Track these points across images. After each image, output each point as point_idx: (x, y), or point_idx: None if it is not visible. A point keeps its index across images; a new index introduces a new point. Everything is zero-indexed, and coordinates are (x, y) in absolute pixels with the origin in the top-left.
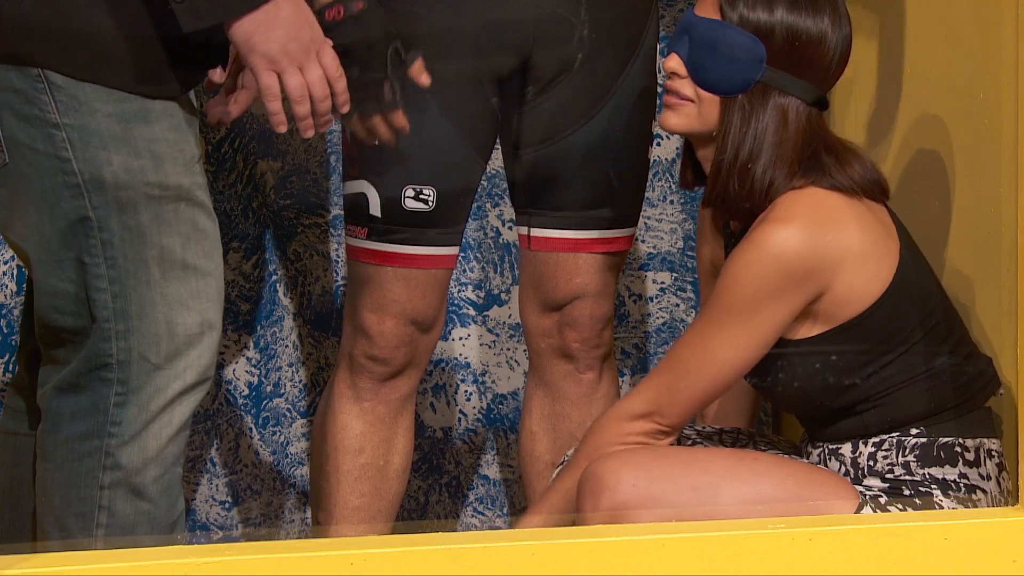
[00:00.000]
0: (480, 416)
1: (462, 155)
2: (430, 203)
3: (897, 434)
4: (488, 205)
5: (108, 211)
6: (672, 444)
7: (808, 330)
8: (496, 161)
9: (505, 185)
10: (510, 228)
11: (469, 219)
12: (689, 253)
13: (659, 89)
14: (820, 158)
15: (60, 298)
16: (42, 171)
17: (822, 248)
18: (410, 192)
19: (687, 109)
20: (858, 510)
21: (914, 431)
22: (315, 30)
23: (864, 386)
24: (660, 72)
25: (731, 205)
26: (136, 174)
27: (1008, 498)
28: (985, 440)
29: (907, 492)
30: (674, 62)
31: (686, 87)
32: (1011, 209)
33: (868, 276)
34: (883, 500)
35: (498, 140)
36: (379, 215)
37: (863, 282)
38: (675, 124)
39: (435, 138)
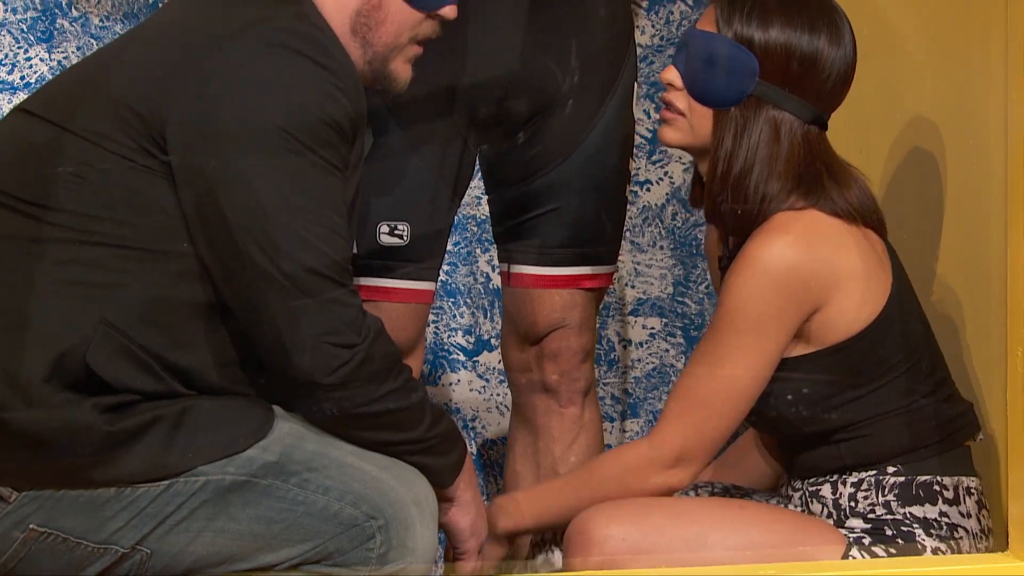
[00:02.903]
0: None
1: (436, 192)
2: (404, 238)
3: (875, 472)
4: (478, 251)
5: None
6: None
7: (794, 349)
8: (486, 207)
9: None
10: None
11: (459, 265)
12: (679, 299)
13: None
14: (822, 180)
15: None
16: None
17: (816, 262)
18: (384, 228)
19: (681, 123)
20: (845, 554)
21: (891, 469)
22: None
23: (841, 414)
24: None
25: (727, 219)
26: None
27: (988, 535)
28: (964, 478)
29: (889, 532)
30: (671, 74)
31: (680, 99)
32: (1000, 252)
33: (858, 302)
34: (867, 541)
35: (479, 178)
36: (354, 251)
37: (853, 307)
38: (670, 138)
39: (409, 175)
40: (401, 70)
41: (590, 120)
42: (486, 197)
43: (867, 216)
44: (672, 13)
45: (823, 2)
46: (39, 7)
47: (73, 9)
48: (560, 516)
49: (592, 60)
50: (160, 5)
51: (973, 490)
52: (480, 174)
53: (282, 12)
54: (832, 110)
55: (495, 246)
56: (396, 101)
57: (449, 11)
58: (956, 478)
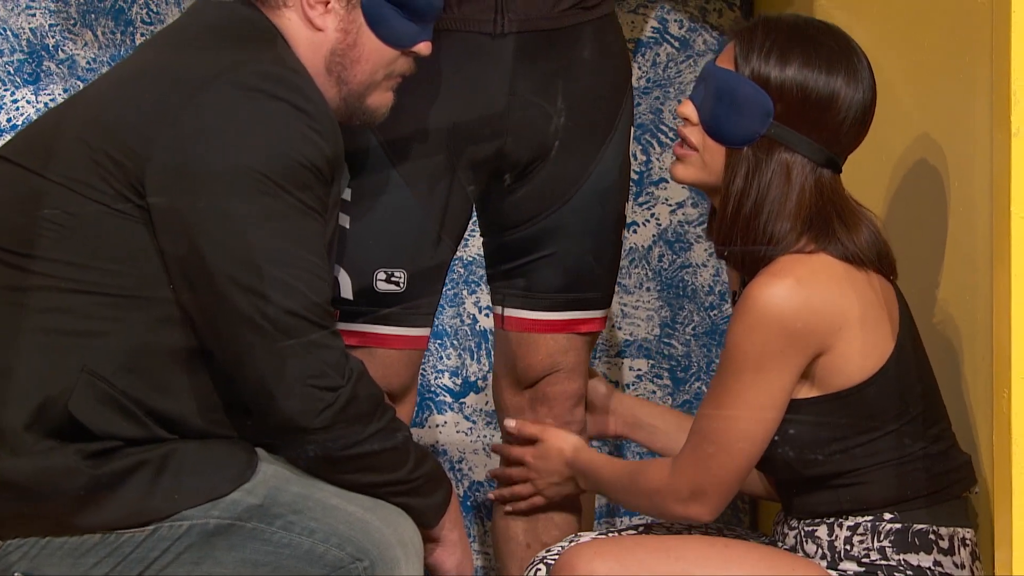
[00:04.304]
0: None
1: (433, 239)
2: (401, 285)
3: (871, 518)
4: (465, 292)
5: None
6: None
7: (797, 392)
8: (473, 249)
9: (482, 272)
10: (487, 315)
11: (446, 307)
12: (666, 341)
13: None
14: (832, 224)
15: None
16: None
17: (819, 306)
18: (381, 275)
19: (693, 159)
20: None
21: (888, 516)
22: None
23: (841, 460)
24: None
25: (735, 257)
26: None
27: None
28: (959, 529)
29: None
30: (687, 108)
31: (694, 134)
32: (986, 299)
33: (865, 349)
34: None
35: (474, 222)
36: (350, 298)
37: (859, 354)
38: (682, 175)
39: (407, 223)
40: (379, 102)
41: (587, 165)
42: (481, 240)
43: (877, 261)
44: (659, 55)
45: (843, 44)
46: (26, 49)
47: (60, 51)
48: (605, 494)
49: (590, 105)
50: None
51: (968, 541)
52: (475, 217)
53: (257, 55)
54: (848, 153)
55: (482, 288)
56: (394, 147)
57: (424, 47)
58: (952, 528)
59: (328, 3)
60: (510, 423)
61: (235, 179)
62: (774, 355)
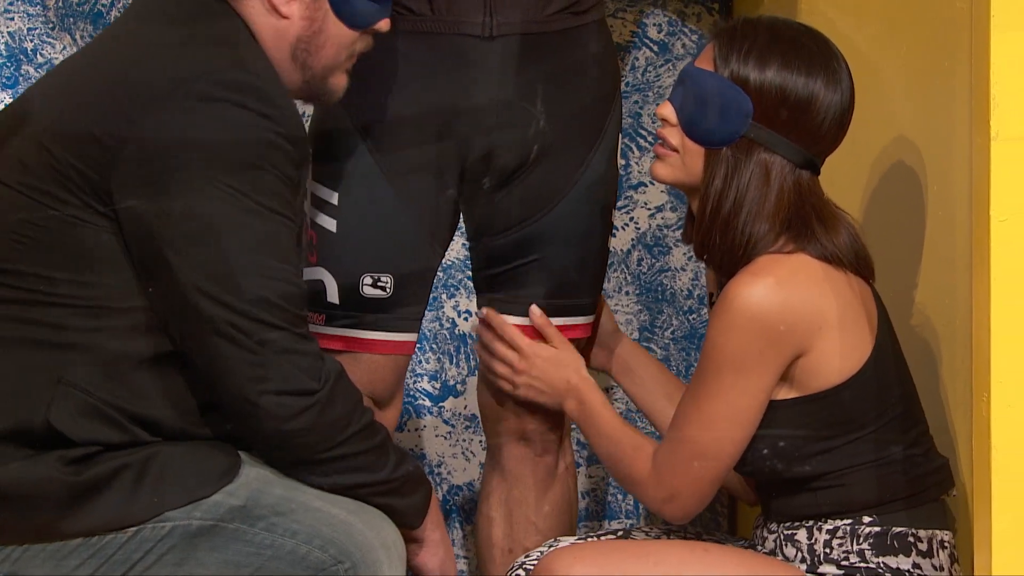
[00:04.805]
0: None
1: (420, 244)
2: (387, 290)
3: (850, 521)
4: (444, 296)
5: None
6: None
7: (776, 393)
8: (452, 253)
9: (461, 276)
10: (466, 319)
11: (425, 311)
12: (645, 344)
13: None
14: (811, 224)
15: None
16: None
17: (798, 306)
18: (368, 280)
19: (674, 159)
20: None
21: (867, 519)
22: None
23: (819, 462)
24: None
25: (714, 258)
26: None
27: None
28: (938, 531)
29: None
30: (667, 109)
31: (674, 136)
32: (966, 303)
33: (844, 350)
34: None
35: (460, 226)
36: (336, 302)
37: (838, 355)
38: (662, 174)
39: (394, 227)
40: (338, 82)
41: (575, 171)
42: (462, 244)
43: (856, 262)
44: (638, 59)
45: (822, 46)
46: (4, 53)
47: (39, 55)
48: (589, 440)
49: (578, 111)
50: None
51: (946, 543)
52: (462, 223)
53: (219, 60)
54: (826, 155)
55: (461, 292)
56: (381, 150)
57: (384, 24)
58: (930, 531)
59: None
60: (536, 310)
61: (203, 189)
62: (754, 355)
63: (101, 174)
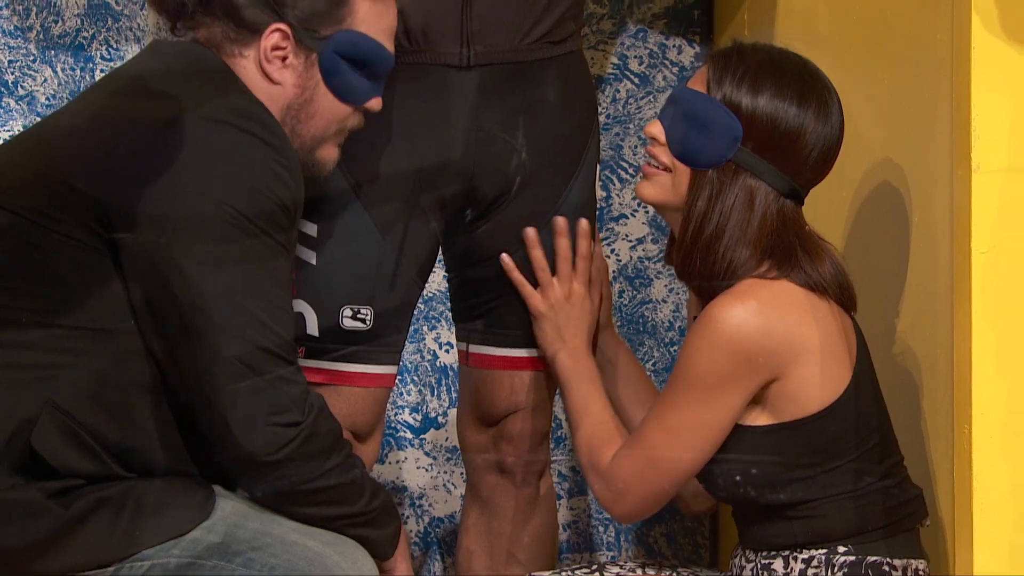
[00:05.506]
0: (417, 540)
1: (400, 276)
2: (367, 322)
3: (825, 551)
4: (425, 328)
5: None
6: None
7: (752, 418)
8: (432, 285)
9: (442, 309)
10: (447, 351)
11: (407, 342)
12: None
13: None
14: (795, 252)
15: None
16: None
17: (777, 332)
18: (348, 312)
19: (662, 179)
20: None
21: (842, 548)
22: None
23: (794, 491)
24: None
25: (694, 280)
26: None
27: None
28: (913, 560)
29: None
30: (656, 128)
31: (663, 154)
32: (947, 334)
33: (819, 379)
34: None
35: (439, 258)
36: (316, 334)
37: (816, 384)
38: (648, 194)
39: (374, 259)
40: (327, 155)
41: (554, 201)
42: (443, 275)
43: (839, 292)
44: (619, 91)
45: (816, 78)
46: None
47: (19, 88)
48: (565, 403)
49: (556, 141)
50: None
51: (921, 572)
52: (442, 254)
53: (224, 89)
54: (811, 186)
55: (443, 324)
56: (360, 181)
57: (375, 103)
58: (905, 560)
59: (286, 58)
60: (560, 221)
61: (204, 213)
62: (726, 375)
63: (102, 195)
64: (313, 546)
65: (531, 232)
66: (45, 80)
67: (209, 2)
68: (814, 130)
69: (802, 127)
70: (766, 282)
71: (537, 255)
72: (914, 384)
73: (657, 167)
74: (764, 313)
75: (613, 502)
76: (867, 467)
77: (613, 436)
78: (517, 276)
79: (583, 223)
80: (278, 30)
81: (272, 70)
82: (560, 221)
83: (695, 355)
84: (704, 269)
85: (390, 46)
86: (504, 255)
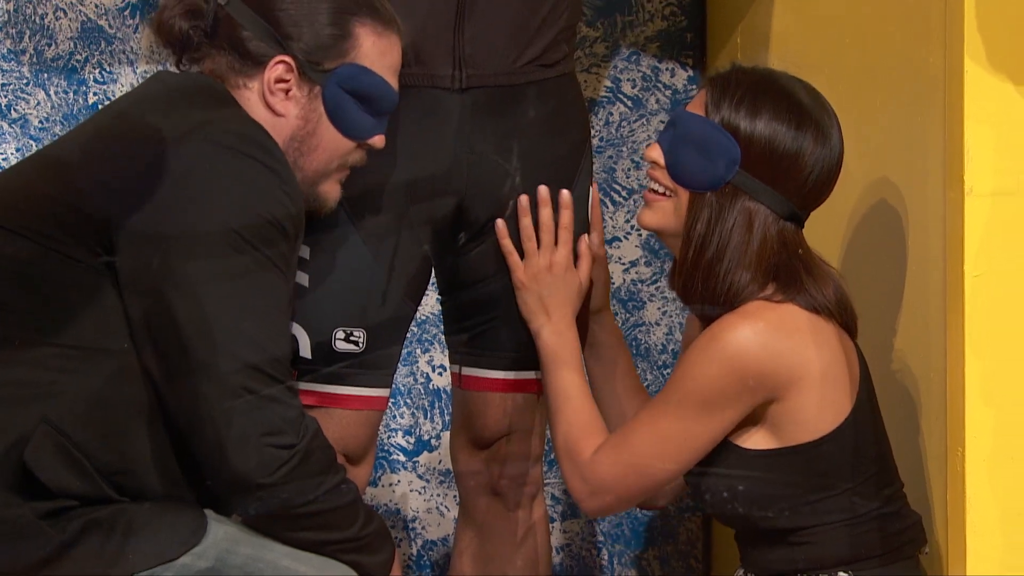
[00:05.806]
0: (410, 563)
1: (393, 298)
2: (360, 344)
3: None
4: (418, 351)
5: None
6: None
7: (754, 442)
8: (426, 308)
9: (435, 331)
10: (440, 374)
11: (399, 365)
12: None
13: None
14: (799, 275)
15: None
16: None
17: (779, 353)
18: (340, 334)
19: (664, 205)
20: None
21: (842, 574)
22: None
23: (796, 515)
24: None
25: (696, 303)
26: None
27: None
28: None
29: None
30: (655, 152)
31: (665, 178)
32: (940, 357)
33: (823, 404)
34: None
35: (432, 280)
36: (309, 357)
37: (818, 409)
38: (649, 221)
39: (366, 281)
40: (329, 191)
41: None
42: (436, 298)
43: (842, 316)
44: (612, 115)
45: (815, 101)
46: None
47: (12, 111)
48: (546, 387)
49: (548, 163)
50: (100, 107)
51: None
52: (434, 276)
53: (226, 113)
54: (811, 209)
55: (436, 346)
56: (353, 204)
57: (378, 140)
58: None
59: (289, 91)
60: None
61: (204, 234)
62: (724, 392)
63: (103, 215)
64: (306, 572)
65: (523, 199)
66: (38, 103)
67: (214, 34)
68: (812, 152)
69: (800, 150)
70: (773, 305)
71: (526, 223)
72: (908, 407)
73: (658, 192)
74: (769, 334)
75: (588, 496)
76: (868, 494)
77: (593, 428)
78: (506, 243)
79: (565, 194)
80: (282, 62)
81: (275, 102)
82: (543, 191)
83: (695, 369)
84: (706, 292)
85: (394, 83)
86: (499, 220)
